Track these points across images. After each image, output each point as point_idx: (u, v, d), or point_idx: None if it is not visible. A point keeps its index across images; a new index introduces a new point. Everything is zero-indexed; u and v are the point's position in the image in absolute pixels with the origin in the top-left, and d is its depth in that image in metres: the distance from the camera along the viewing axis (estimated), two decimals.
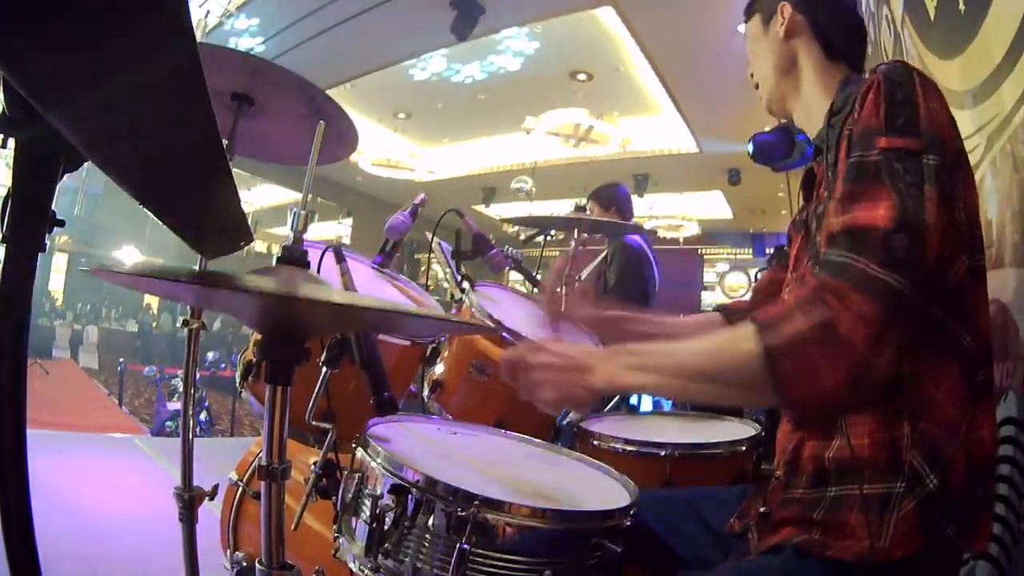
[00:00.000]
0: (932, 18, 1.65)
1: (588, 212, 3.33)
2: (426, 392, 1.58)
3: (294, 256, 0.80)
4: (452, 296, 1.73)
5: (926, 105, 0.84)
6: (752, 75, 1.18)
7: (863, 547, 0.82)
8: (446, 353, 1.59)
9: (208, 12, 7.12)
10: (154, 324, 13.98)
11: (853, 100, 0.93)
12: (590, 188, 3.49)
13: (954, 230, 0.82)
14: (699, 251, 12.79)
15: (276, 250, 0.84)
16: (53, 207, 0.66)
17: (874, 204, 0.79)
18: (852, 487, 0.85)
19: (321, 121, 0.92)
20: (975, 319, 0.86)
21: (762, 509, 1.00)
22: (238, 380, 1.39)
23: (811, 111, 1.09)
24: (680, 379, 0.86)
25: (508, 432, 1.27)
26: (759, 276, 1.25)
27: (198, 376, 2.01)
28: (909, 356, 0.80)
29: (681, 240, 12.36)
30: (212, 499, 1.62)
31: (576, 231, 2.37)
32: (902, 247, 0.76)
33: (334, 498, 0.99)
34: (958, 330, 0.85)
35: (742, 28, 1.23)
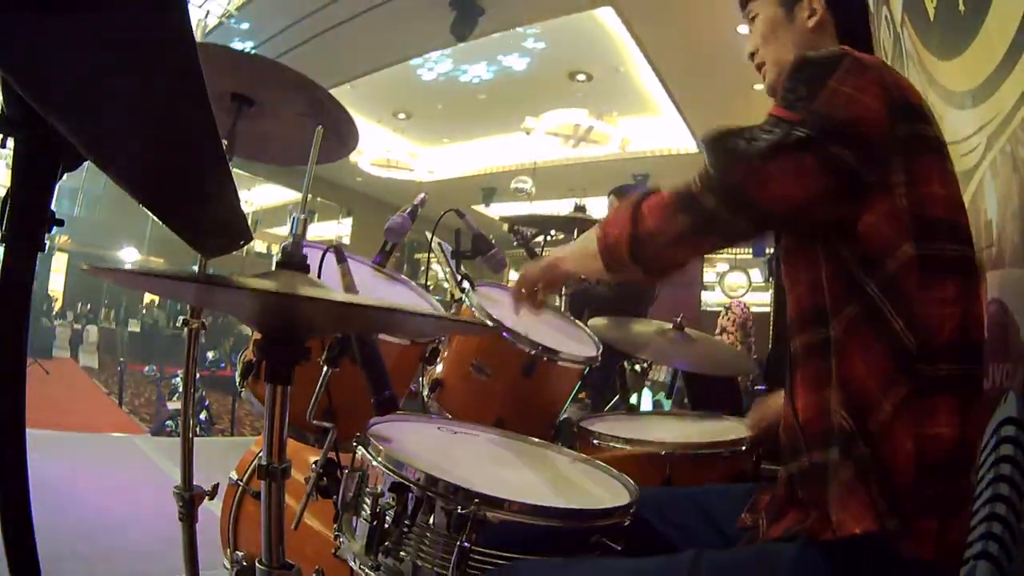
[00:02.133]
0: (932, 18, 1.65)
1: (608, 207, 3.36)
2: (426, 391, 1.58)
3: (293, 260, 0.80)
4: (452, 296, 1.73)
5: (835, 87, 0.86)
6: (754, 54, 1.16)
7: (825, 523, 0.82)
8: (446, 352, 1.60)
9: (208, 12, 7.12)
10: (135, 323, 13.98)
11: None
12: (590, 188, 3.51)
13: (886, 217, 0.85)
14: None
15: (276, 250, 0.84)
16: (53, 207, 0.66)
17: (725, 152, 0.90)
18: (802, 458, 0.89)
19: (320, 126, 0.92)
20: (917, 309, 0.85)
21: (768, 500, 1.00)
22: (238, 380, 1.39)
23: None
24: (580, 250, 1.08)
25: (508, 431, 1.27)
26: None
27: (198, 376, 2.01)
28: (837, 318, 0.87)
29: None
30: (212, 499, 1.61)
31: (576, 231, 2.38)
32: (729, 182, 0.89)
33: (334, 497, 0.99)
34: (891, 314, 0.85)
35: (743, 29, 1.22)
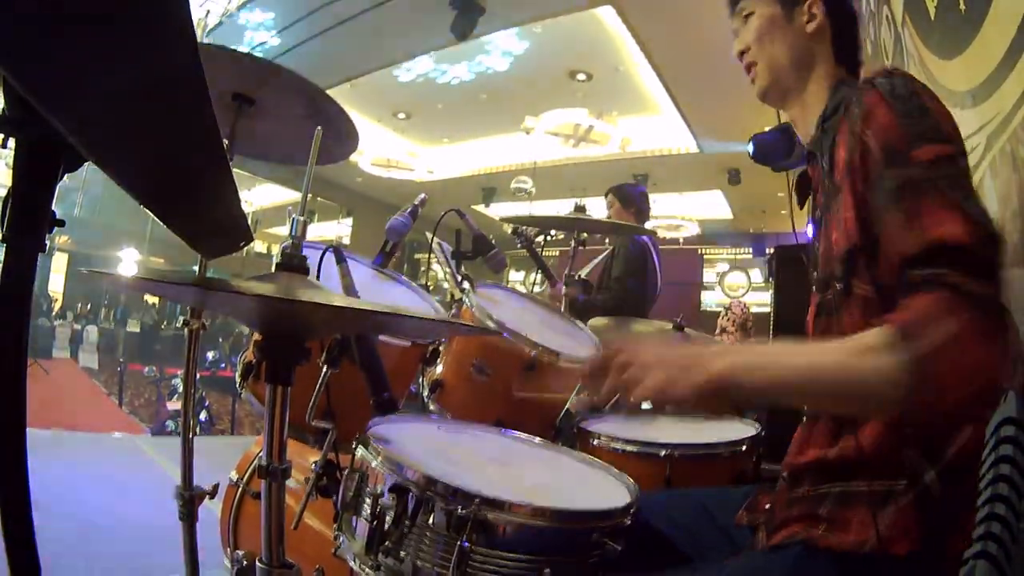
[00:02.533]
0: (932, 18, 1.65)
1: (607, 206, 3.36)
2: (426, 392, 1.58)
3: (293, 262, 0.80)
4: (452, 296, 1.73)
5: (936, 109, 0.85)
6: (744, 53, 1.13)
7: (865, 537, 0.82)
8: (446, 353, 1.60)
9: (208, 12, 7.13)
10: (135, 323, 13.96)
11: (845, 107, 0.94)
12: (590, 188, 3.51)
13: None
14: (699, 251, 12.78)
15: (276, 250, 0.84)
16: (53, 207, 0.66)
17: (942, 218, 0.78)
18: (860, 483, 0.86)
19: (319, 127, 0.92)
20: None
21: (767, 506, 1.00)
22: (238, 380, 1.39)
23: (808, 112, 1.08)
24: (806, 386, 0.81)
25: (508, 431, 1.27)
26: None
27: (198, 376, 2.01)
28: None
29: (681, 240, 12.36)
30: (212, 498, 1.62)
31: (576, 231, 2.38)
32: (988, 256, 0.77)
33: (334, 497, 0.99)
34: None
35: None
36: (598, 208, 3.36)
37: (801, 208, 1.16)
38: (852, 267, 0.89)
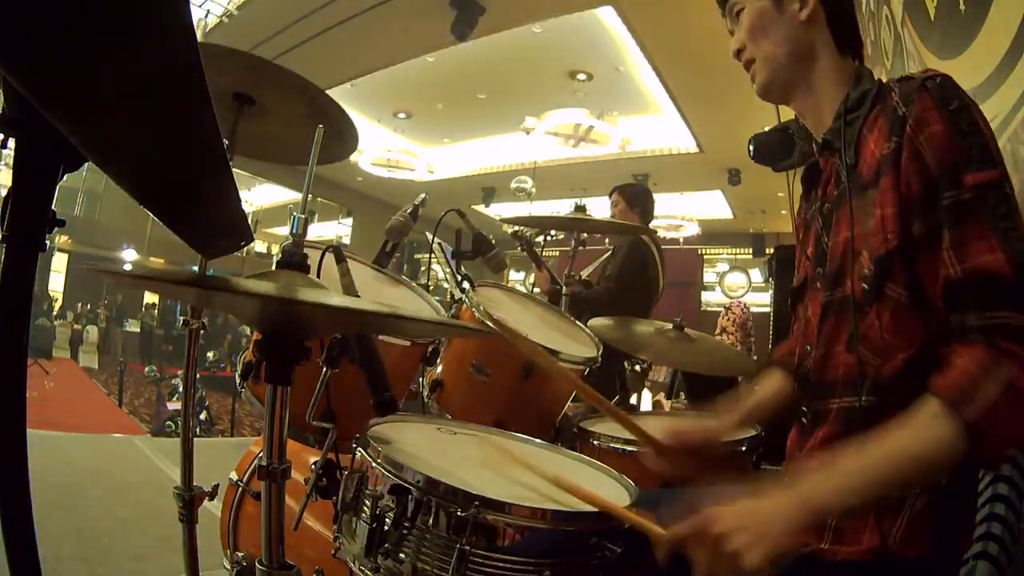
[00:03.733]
0: (932, 18, 1.65)
1: (612, 205, 3.35)
2: (426, 392, 1.58)
3: (293, 260, 0.80)
4: (452, 296, 1.73)
5: (985, 127, 0.85)
6: (741, 51, 1.10)
7: (873, 544, 0.82)
8: (446, 353, 1.59)
9: (208, 12, 7.13)
10: (135, 323, 13.96)
11: (877, 101, 0.93)
12: (591, 188, 3.50)
13: None
14: (699, 251, 12.79)
15: (276, 250, 0.84)
16: (53, 207, 0.66)
17: (984, 248, 0.80)
18: None
19: (320, 125, 0.92)
20: None
21: None
22: (238, 380, 1.39)
23: (821, 104, 1.05)
24: (883, 483, 0.80)
25: (508, 432, 1.27)
26: (790, 314, 1.19)
27: (198, 376, 2.01)
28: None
29: (681, 240, 12.36)
30: (212, 499, 1.62)
31: (576, 231, 2.38)
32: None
33: (334, 498, 0.99)
34: None
35: None
36: (598, 208, 3.35)
37: (806, 199, 1.14)
38: (888, 268, 0.88)
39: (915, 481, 0.82)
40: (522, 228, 2.42)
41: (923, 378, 0.81)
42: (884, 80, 0.98)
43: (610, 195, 3.41)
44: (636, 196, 3.37)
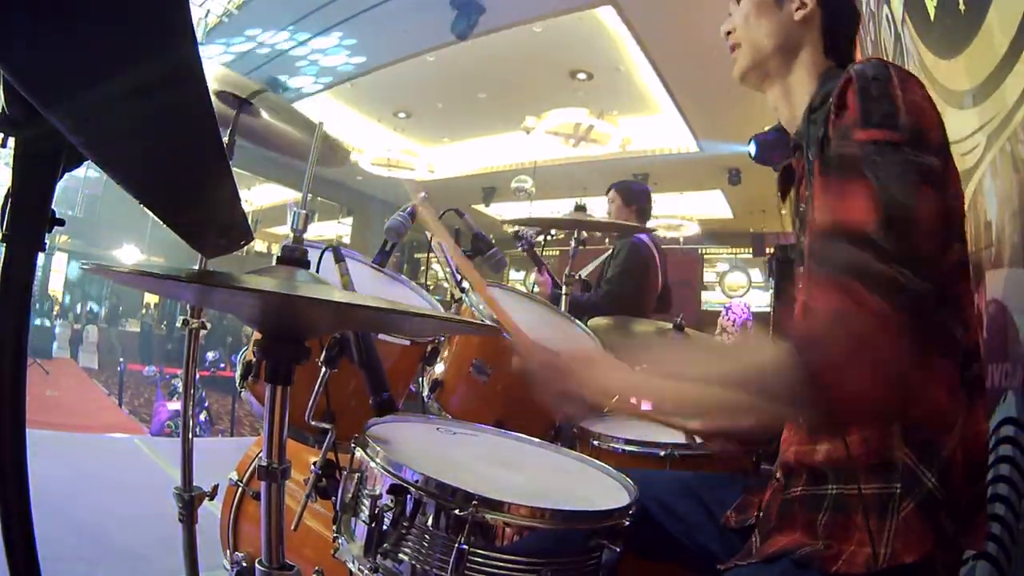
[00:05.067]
0: (932, 18, 1.65)
1: (608, 202, 3.34)
2: (426, 392, 1.58)
3: (293, 256, 0.80)
4: (452, 296, 1.73)
5: (904, 97, 0.84)
6: (731, 32, 1.12)
7: (867, 554, 0.82)
8: (446, 353, 1.59)
9: (208, 12, 7.12)
10: (135, 323, 13.95)
11: (830, 99, 0.93)
12: (591, 188, 3.49)
13: (946, 219, 0.81)
14: (699, 251, 12.78)
15: (276, 250, 0.84)
16: (53, 206, 0.66)
17: (857, 198, 0.79)
18: (851, 487, 0.86)
19: (320, 122, 0.92)
20: (965, 311, 0.87)
21: (759, 514, 1.00)
22: (238, 380, 1.39)
23: (794, 101, 1.07)
24: (698, 385, 0.83)
25: (508, 432, 1.27)
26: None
27: (198, 376, 2.01)
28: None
29: (681, 240, 12.35)
30: (212, 499, 1.62)
31: (576, 231, 2.38)
32: (892, 239, 0.75)
33: (333, 498, 0.99)
34: (952, 321, 0.84)
35: None
36: (598, 208, 3.35)
37: (783, 202, 1.15)
38: None
39: (737, 417, 0.85)
40: (523, 228, 2.42)
41: None
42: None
43: (607, 192, 3.40)
44: (633, 194, 3.36)
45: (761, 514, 0.99)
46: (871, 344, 0.73)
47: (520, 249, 2.40)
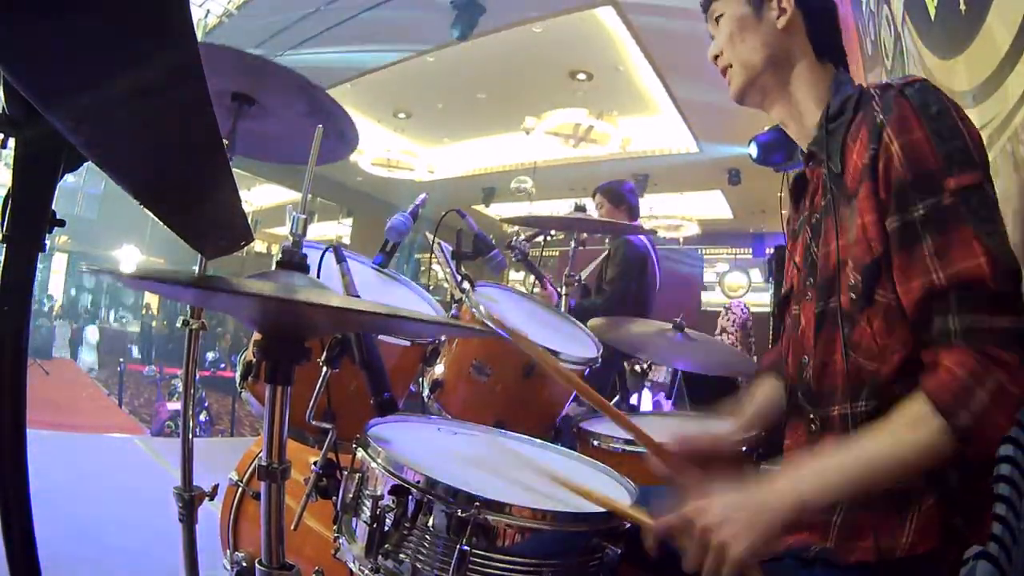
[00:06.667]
0: (932, 18, 1.65)
1: (597, 207, 3.34)
2: (426, 392, 1.58)
3: (293, 260, 0.80)
4: (452, 296, 1.73)
5: (967, 129, 0.85)
6: (719, 56, 1.12)
7: (881, 547, 0.83)
8: (446, 353, 1.59)
9: (208, 12, 7.12)
10: (135, 323, 13.94)
11: (858, 109, 0.92)
12: (590, 188, 3.48)
13: None
14: (699, 251, 12.79)
15: (276, 250, 0.84)
16: (53, 207, 0.66)
17: (968, 253, 0.80)
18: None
19: (320, 125, 0.92)
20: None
21: None
22: (238, 380, 1.39)
23: (803, 112, 1.06)
24: (866, 481, 0.82)
25: (508, 432, 1.27)
26: (778, 321, 1.21)
27: (198, 376, 2.01)
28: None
29: (681, 240, 12.35)
30: (212, 499, 1.61)
31: (575, 231, 2.38)
32: (1009, 290, 0.79)
33: (334, 498, 0.99)
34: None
35: None
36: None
37: (796, 210, 1.14)
38: (876, 275, 0.88)
39: (896, 480, 0.83)
40: (515, 237, 2.40)
41: (919, 377, 0.82)
42: (866, 86, 0.98)
43: (593, 196, 3.39)
44: (619, 194, 3.35)
45: None
46: (1010, 394, 0.77)
47: (514, 259, 2.38)
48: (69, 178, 0.68)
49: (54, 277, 14.20)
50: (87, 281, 14.51)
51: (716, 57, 1.12)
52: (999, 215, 0.82)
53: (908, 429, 0.80)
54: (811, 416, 1.00)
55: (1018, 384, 0.77)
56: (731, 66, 1.10)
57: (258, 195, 13.79)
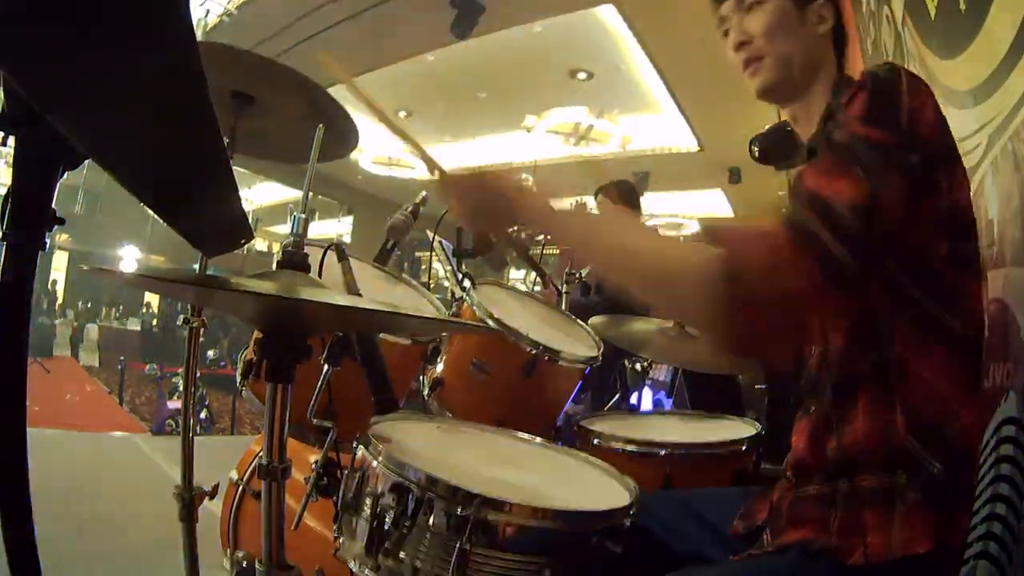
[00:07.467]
0: (932, 17, 1.65)
1: (598, 206, 3.32)
2: (427, 391, 1.58)
3: (294, 259, 0.80)
4: (453, 294, 1.73)
5: (909, 103, 0.85)
6: (745, 43, 1.06)
7: (879, 545, 0.83)
8: (447, 351, 1.59)
9: (208, 12, 7.12)
10: (136, 321, 13.94)
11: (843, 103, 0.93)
12: (591, 187, 3.47)
13: (932, 218, 0.85)
14: None
15: (277, 249, 0.84)
16: (53, 205, 0.66)
17: (841, 183, 0.81)
18: (860, 481, 0.87)
19: (320, 124, 0.92)
20: (962, 304, 0.88)
21: (766, 511, 1.00)
22: (239, 378, 1.39)
23: (811, 110, 1.07)
24: (614, 249, 0.89)
25: (509, 431, 1.27)
26: None
27: (198, 374, 2.01)
28: (898, 340, 0.86)
29: (682, 239, 12.37)
30: (212, 498, 1.61)
31: None
32: (854, 226, 0.79)
33: (335, 497, 0.99)
34: (942, 313, 0.87)
35: None
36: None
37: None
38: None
39: (648, 281, 0.87)
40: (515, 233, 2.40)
41: (867, 342, 0.88)
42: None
43: (595, 196, 3.37)
44: (623, 194, 3.34)
45: (771, 514, 1.00)
46: (786, 279, 0.79)
47: (515, 255, 2.38)
48: (69, 176, 0.68)
49: (54, 275, 14.21)
50: (87, 279, 14.52)
51: (743, 44, 1.07)
52: (899, 181, 0.82)
53: (689, 246, 0.86)
54: (811, 408, 1.01)
55: (794, 273, 0.78)
56: (763, 58, 1.05)
57: (259, 193, 13.81)
